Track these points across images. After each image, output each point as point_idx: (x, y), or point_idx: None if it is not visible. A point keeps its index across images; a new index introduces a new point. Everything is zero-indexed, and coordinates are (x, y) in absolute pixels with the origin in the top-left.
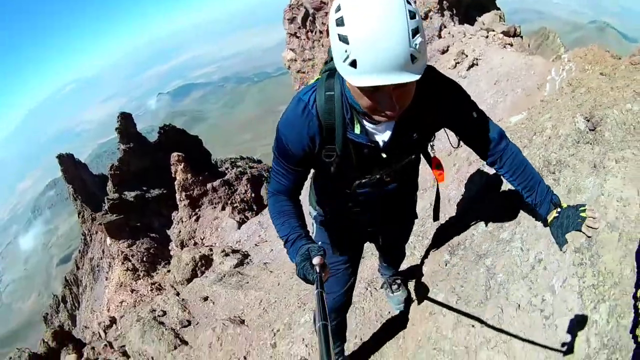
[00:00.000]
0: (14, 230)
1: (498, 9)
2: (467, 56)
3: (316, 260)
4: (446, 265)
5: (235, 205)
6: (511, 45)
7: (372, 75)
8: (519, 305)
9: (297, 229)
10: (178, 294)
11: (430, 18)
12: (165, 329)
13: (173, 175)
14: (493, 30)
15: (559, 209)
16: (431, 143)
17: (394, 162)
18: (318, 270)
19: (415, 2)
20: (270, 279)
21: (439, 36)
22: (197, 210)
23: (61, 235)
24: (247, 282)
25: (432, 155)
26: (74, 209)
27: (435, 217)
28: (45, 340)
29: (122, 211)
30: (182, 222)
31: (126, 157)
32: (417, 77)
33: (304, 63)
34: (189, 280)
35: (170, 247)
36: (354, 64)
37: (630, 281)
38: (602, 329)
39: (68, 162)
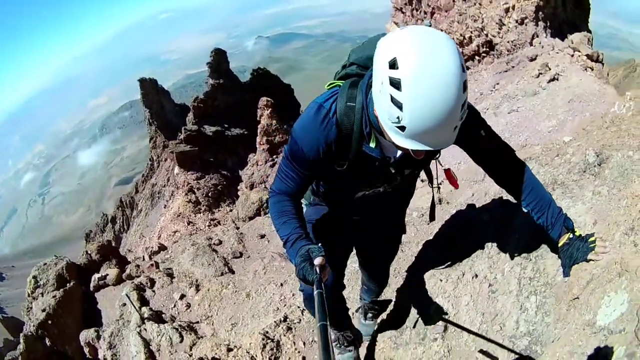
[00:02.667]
0: (75, 144)
1: (589, 31)
2: (550, 69)
3: (317, 261)
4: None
5: None
6: (592, 69)
7: (416, 142)
8: (476, 275)
9: (297, 230)
10: (237, 228)
11: (525, 25)
12: (217, 257)
13: (258, 119)
14: (579, 51)
15: (570, 235)
16: (436, 159)
17: (399, 176)
18: (318, 271)
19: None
20: None
21: (531, 44)
22: (274, 156)
23: (127, 157)
24: None
25: (444, 168)
26: (146, 133)
27: (432, 218)
28: (89, 252)
29: (198, 144)
30: (257, 165)
31: (213, 92)
32: (449, 145)
33: None
34: (251, 218)
35: (239, 188)
36: (402, 128)
37: (559, 289)
38: (530, 317)
39: (149, 87)
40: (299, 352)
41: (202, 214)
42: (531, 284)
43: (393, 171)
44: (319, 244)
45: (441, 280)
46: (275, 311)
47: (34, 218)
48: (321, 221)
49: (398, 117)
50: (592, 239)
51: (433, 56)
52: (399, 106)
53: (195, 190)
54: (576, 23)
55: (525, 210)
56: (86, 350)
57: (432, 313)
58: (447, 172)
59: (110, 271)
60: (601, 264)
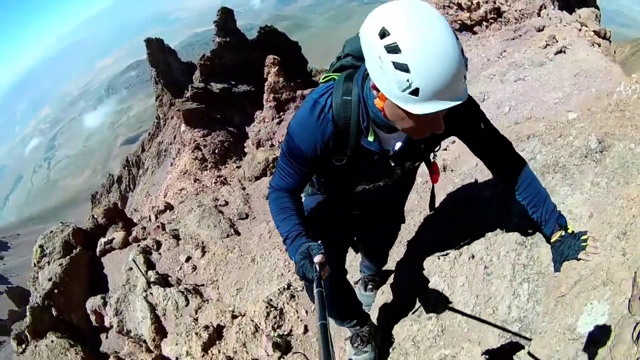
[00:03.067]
0: (81, 107)
1: (597, 7)
2: (557, 42)
3: (317, 259)
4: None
5: None
6: (599, 45)
7: (434, 101)
8: (473, 256)
9: (297, 227)
10: (244, 189)
11: None
12: (223, 218)
13: (265, 77)
14: (586, 26)
15: (562, 232)
16: (435, 151)
17: (399, 169)
18: (318, 269)
19: None
20: None
21: (538, 14)
22: (281, 113)
23: (132, 116)
24: None
25: (432, 161)
26: (152, 91)
27: (432, 209)
28: (95, 216)
29: (204, 101)
30: (264, 122)
31: (220, 50)
32: (466, 98)
33: None
34: (257, 178)
35: (245, 144)
36: (415, 92)
37: (550, 281)
38: (522, 304)
39: (155, 47)
40: (301, 320)
41: (208, 171)
42: (525, 271)
43: (393, 164)
44: (319, 242)
45: (439, 259)
46: (280, 277)
47: (40, 183)
48: (319, 215)
49: (408, 81)
50: (584, 237)
51: (417, 12)
52: (405, 68)
53: (202, 147)
54: None
55: (521, 203)
56: (92, 318)
57: (429, 292)
58: (434, 165)
59: (116, 235)
60: (590, 264)
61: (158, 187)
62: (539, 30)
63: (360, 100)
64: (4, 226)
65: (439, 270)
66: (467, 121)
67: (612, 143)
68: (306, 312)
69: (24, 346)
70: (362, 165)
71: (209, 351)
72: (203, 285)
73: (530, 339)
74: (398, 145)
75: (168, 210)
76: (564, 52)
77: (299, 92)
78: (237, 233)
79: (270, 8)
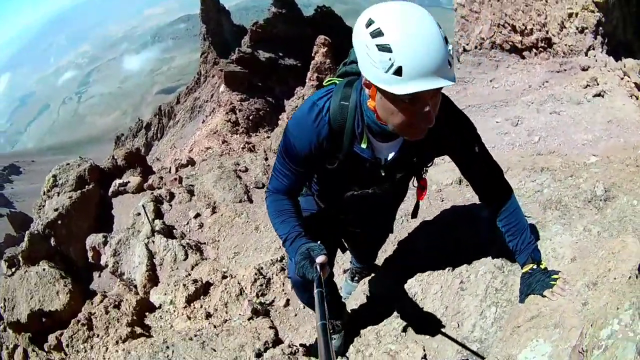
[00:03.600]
0: (123, 48)
1: None
2: (598, 84)
3: (319, 259)
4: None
5: None
6: (637, 98)
7: (418, 80)
8: (452, 268)
9: (296, 228)
10: (266, 159)
11: (584, 34)
12: (240, 183)
13: (312, 55)
14: (628, 76)
15: (534, 266)
16: (427, 167)
17: (389, 180)
18: (319, 269)
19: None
20: None
21: (586, 54)
22: None
23: (175, 67)
24: None
25: (422, 177)
26: (198, 47)
27: (414, 215)
28: (115, 157)
29: (249, 67)
30: (304, 98)
31: (273, 20)
32: (453, 82)
33: (469, 12)
34: None
35: (280, 117)
36: (399, 71)
37: (514, 310)
38: (486, 326)
39: (210, 4)
40: (285, 293)
41: (238, 135)
42: (496, 294)
43: (383, 174)
44: (319, 242)
45: (418, 266)
46: (277, 249)
47: (66, 115)
48: (312, 215)
49: (390, 59)
50: (555, 276)
51: (402, 5)
52: (387, 49)
53: (237, 111)
54: (633, 48)
55: (501, 229)
56: (90, 254)
57: (402, 293)
58: (423, 181)
59: (132, 179)
60: (553, 304)
61: (185, 141)
62: (584, 69)
63: (357, 106)
64: (21, 151)
65: (417, 275)
66: (462, 141)
67: (617, 195)
68: (292, 287)
69: (13, 270)
70: (352, 170)
71: (192, 304)
72: (205, 243)
73: None
74: (391, 155)
75: (190, 165)
76: (602, 96)
77: None
78: (250, 200)
79: None
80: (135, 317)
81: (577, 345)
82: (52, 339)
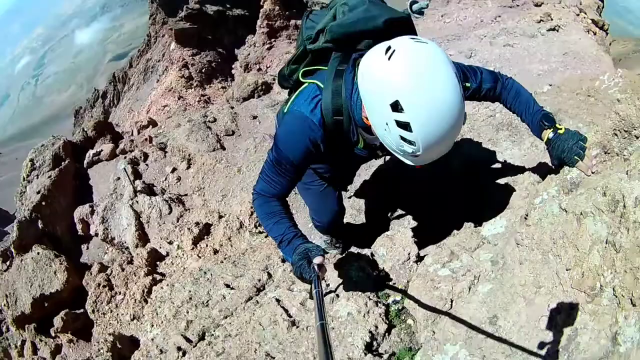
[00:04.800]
0: (73, 24)
1: (602, 0)
2: (552, 20)
3: (317, 260)
4: None
5: None
6: (594, 33)
7: (426, 160)
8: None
9: (291, 229)
10: (232, 108)
11: None
12: (211, 133)
13: (261, 3)
14: (585, 13)
15: (551, 133)
16: None
17: (386, 153)
18: (317, 270)
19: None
20: None
21: None
22: (272, 40)
23: (124, 33)
24: None
25: None
26: (146, 10)
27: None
28: (85, 129)
29: (198, 22)
30: (255, 46)
31: None
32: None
33: None
34: (245, 99)
35: (233, 66)
36: (414, 154)
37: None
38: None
39: None
40: None
41: (193, 89)
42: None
43: (380, 153)
44: (316, 243)
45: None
46: None
47: (25, 101)
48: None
49: (412, 151)
50: (583, 144)
51: (433, 85)
52: (412, 143)
53: (190, 66)
54: None
55: (511, 110)
56: (79, 227)
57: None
58: None
59: (104, 147)
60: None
61: (142, 103)
62: (537, 5)
63: (350, 117)
64: None
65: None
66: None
67: (564, 119)
68: None
69: (8, 263)
70: (351, 162)
71: (198, 245)
72: (186, 195)
73: None
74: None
75: (151, 126)
76: (557, 31)
77: (292, 22)
78: (223, 148)
79: None
80: (149, 268)
81: (522, 215)
82: (57, 321)
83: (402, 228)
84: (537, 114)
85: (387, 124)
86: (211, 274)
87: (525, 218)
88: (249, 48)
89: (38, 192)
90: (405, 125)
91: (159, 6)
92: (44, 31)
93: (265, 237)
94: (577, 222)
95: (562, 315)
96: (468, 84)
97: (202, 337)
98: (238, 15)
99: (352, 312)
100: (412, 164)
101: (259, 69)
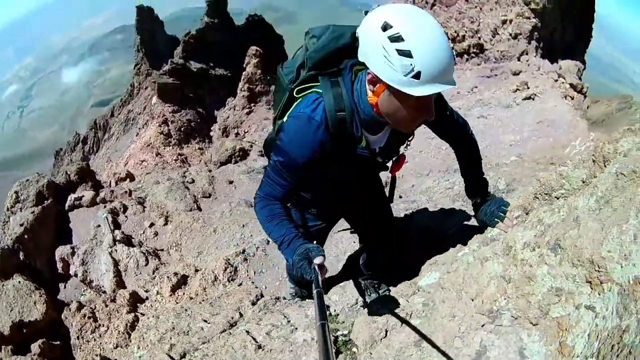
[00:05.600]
0: (62, 61)
1: (584, 62)
2: (528, 88)
3: (318, 260)
4: None
5: None
6: (572, 98)
7: (432, 84)
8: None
9: (292, 230)
10: (210, 171)
11: (518, 40)
12: (189, 193)
13: (244, 66)
14: (564, 78)
15: (480, 198)
16: (409, 140)
17: (385, 162)
18: (317, 270)
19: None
20: None
21: (518, 59)
22: (252, 104)
23: (110, 79)
24: None
25: (401, 152)
26: (133, 58)
27: (390, 200)
28: (68, 172)
29: (181, 78)
30: (235, 109)
31: (206, 30)
32: (455, 85)
33: None
34: (223, 164)
35: (212, 128)
36: (417, 75)
37: None
38: None
39: (146, 14)
40: (250, 277)
41: (171, 147)
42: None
43: (380, 160)
44: (316, 243)
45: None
46: (236, 245)
47: (10, 130)
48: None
49: (411, 64)
50: (505, 209)
51: (412, 10)
52: (408, 54)
53: (170, 122)
54: (573, 51)
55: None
56: (59, 265)
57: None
58: (402, 157)
59: (86, 193)
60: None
61: (120, 154)
62: (515, 74)
63: (353, 111)
64: None
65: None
66: (437, 109)
67: (517, 187)
68: (254, 272)
69: None
70: (353, 168)
71: (175, 292)
72: (162, 249)
73: None
74: (383, 142)
75: (128, 180)
76: (532, 99)
77: (273, 87)
78: (200, 209)
79: None
80: (131, 307)
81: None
82: (35, 347)
83: (352, 280)
84: (477, 179)
85: (383, 47)
86: (191, 311)
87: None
88: (228, 111)
89: (21, 225)
90: (398, 38)
91: (144, 56)
92: (34, 62)
93: (239, 285)
94: (481, 265)
95: (471, 335)
96: (445, 107)
97: (183, 356)
98: (220, 75)
99: (307, 339)
100: (423, 93)
101: (237, 134)
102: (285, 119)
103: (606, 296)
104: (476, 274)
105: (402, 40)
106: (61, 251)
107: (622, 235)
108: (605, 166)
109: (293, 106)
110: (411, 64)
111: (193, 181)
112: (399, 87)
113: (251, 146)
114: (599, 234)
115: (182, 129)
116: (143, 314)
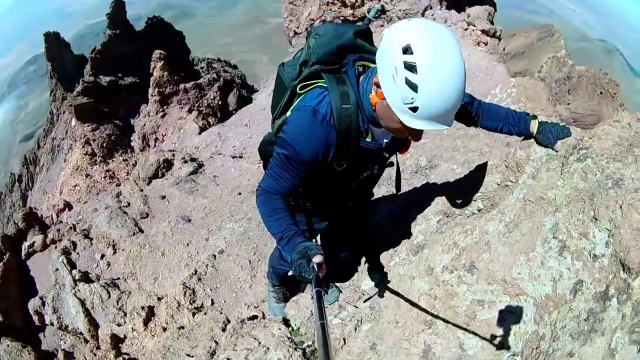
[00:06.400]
0: None
1: (494, 4)
2: None
3: (317, 259)
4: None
5: (201, 109)
6: (485, 44)
7: (427, 121)
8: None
9: (292, 227)
10: (141, 190)
11: None
12: (128, 218)
13: (151, 71)
14: (474, 26)
15: (537, 121)
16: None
17: (390, 157)
18: (316, 269)
19: None
20: (216, 191)
21: (423, 14)
22: (165, 107)
23: (29, 112)
24: (197, 190)
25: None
26: (47, 86)
27: (398, 190)
28: (16, 221)
29: (94, 95)
30: (149, 115)
31: (110, 42)
32: (451, 126)
33: None
34: (151, 179)
35: (132, 138)
36: (414, 109)
37: None
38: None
39: (53, 40)
40: (208, 295)
41: (98, 166)
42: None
43: (387, 155)
44: (316, 241)
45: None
46: (186, 266)
47: None
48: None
49: (412, 98)
50: (560, 125)
51: (443, 45)
52: (414, 88)
53: (91, 141)
54: None
55: (492, 127)
56: (35, 318)
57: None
58: (409, 141)
59: (36, 238)
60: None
61: (53, 184)
62: None
63: (359, 103)
64: None
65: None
66: None
67: (439, 163)
68: (210, 289)
69: None
70: (360, 162)
71: (148, 325)
72: (119, 278)
73: None
74: (389, 136)
75: (67, 209)
76: None
77: (182, 86)
78: (142, 231)
79: None
80: (116, 350)
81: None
82: None
83: (305, 293)
84: (519, 114)
85: (395, 68)
86: (174, 349)
87: (386, 278)
88: (144, 118)
89: None
90: (412, 67)
91: (57, 82)
92: None
93: (204, 314)
94: (410, 282)
95: (415, 338)
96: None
97: None
98: (130, 83)
99: (280, 357)
100: (413, 126)
101: (156, 139)
102: (289, 113)
103: (524, 305)
104: (407, 288)
105: (415, 72)
106: (33, 304)
107: (530, 262)
108: (518, 171)
109: (297, 101)
110: (412, 98)
111: (129, 204)
112: (393, 109)
113: (174, 155)
114: (509, 258)
115: (104, 144)
116: (128, 354)
